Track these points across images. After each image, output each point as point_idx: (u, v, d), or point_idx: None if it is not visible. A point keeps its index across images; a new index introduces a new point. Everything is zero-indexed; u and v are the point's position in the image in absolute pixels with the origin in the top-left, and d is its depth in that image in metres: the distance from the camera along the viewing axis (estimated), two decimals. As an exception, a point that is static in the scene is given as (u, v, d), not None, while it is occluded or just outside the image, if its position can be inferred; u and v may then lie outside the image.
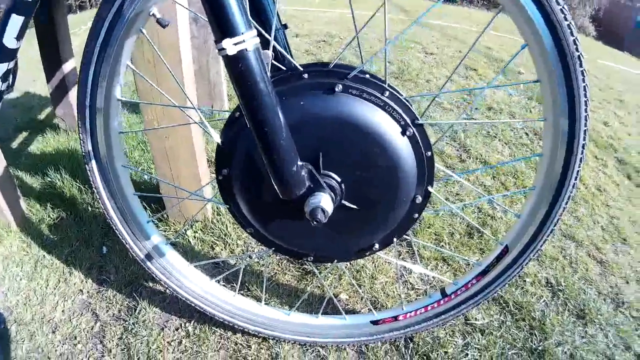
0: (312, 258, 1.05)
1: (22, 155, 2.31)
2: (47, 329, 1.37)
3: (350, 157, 0.88)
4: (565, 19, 0.77)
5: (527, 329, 1.38)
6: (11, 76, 1.08)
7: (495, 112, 2.85)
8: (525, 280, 1.56)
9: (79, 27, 4.20)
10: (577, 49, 0.80)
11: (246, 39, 0.69)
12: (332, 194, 0.86)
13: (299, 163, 0.81)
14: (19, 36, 0.95)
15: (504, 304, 1.45)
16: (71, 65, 2.20)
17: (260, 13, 1.00)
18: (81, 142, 1.00)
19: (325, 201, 0.83)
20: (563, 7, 0.77)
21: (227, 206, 1.00)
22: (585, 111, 0.85)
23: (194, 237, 1.68)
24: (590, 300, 1.50)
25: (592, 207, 2.09)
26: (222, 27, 0.69)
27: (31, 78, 3.22)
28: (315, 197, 0.84)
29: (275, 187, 0.82)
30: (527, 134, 2.62)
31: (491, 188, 2.09)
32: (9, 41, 0.94)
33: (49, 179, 1.93)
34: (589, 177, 2.33)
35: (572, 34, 0.78)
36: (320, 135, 0.86)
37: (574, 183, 0.92)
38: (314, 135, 0.86)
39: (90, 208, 1.81)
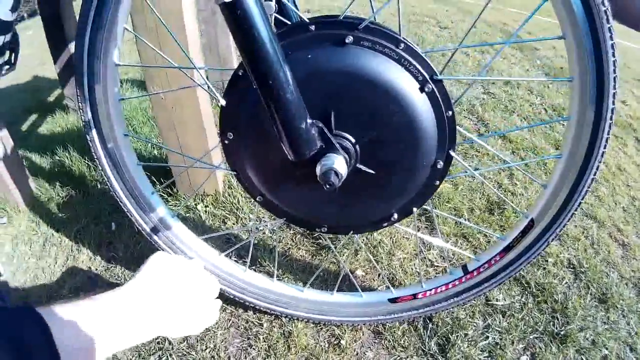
0: (325, 229, 0.99)
1: (32, 137, 2.31)
2: (53, 307, 1.34)
3: (365, 116, 0.81)
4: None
5: (549, 312, 1.33)
6: (9, 53, 1.05)
7: (513, 87, 2.76)
8: (547, 261, 1.50)
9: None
10: (603, 3, 0.72)
11: (244, -15, 0.62)
12: (346, 155, 0.79)
13: (309, 120, 0.74)
14: (14, 8, 0.91)
15: (525, 285, 1.39)
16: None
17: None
18: (80, 111, 0.96)
19: (338, 163, 0.76)
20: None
21: (234, 173, 0.93)
22: (614, 72, 0.77)
23: (205, 211, 1.63)
24: (613, 285, 1.45)
25: (613, 187, 2.01)
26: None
27: (40, 62, 3.21)
28: (327, 158, 0.77)
29: (284, 148, 0.76)
30: (545, 109, 2.53)
31: (501, 163, 2.00)
32: (4, 13, 0.90)
33: (57, 158, 1.90)
34: (609, 155, 2.25)
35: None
36: (331, 91, 0.79)
37: (603, 151, 0.85)
38: (324, 91, 0.79)
39: (99, 185, 1.78)
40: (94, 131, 0.98)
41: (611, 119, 0.82)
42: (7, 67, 1.09)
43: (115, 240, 1.55)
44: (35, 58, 3.39)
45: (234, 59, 2.23)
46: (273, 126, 0.73)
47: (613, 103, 0.80)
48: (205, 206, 1.65)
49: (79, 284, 1.41)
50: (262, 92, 0.70)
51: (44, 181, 1.82)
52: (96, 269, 1.45)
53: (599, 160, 0.86)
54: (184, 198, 1.66)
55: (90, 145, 1.00)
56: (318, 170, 0.77)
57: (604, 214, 1.78)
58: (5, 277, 1.44)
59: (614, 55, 0.76)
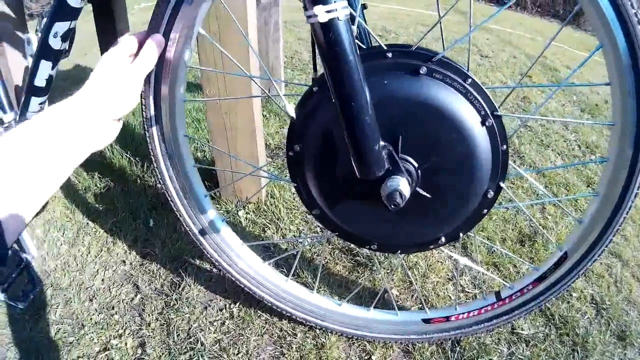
0: (375, 246, 1.01)
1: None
2: (84, 296, 1.37)
3: (429, 143, 0.85)
4: (639, 23, 0.74)
5: (570, 345, 1.34)
6: (69, 39, 1.07)
7: (549, 121, 2.79)
8: (571, 295, 1.52)
9: (132, 7, 4.23)
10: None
11: (338, 8, 0.66)
12: (409, 178, 0.82)
13: (381, 143, 0.77)
14: (84, -4, 0.93)
15: (550, 317, 1.41)
16: (127, 38, 2.22)
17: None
18: (143, 106, 0.95)
19: (403, 185, 0.79)
20: (637, 12, 0.73)
21: (294, 184, 0.96)
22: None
23: (246, 218, 1.66)
24: (632, 323, 1.46)
25: (640, 228, 2.02)
26: (315, -7, 0.66)
27: (82, 52, 3.25)
28: (393, 180, 0.80)
29: (355, 166, 0.79)
30: (579, 146, 2.56)
31: (544, 197, 2.03)
32: (74, 0, 0.92)
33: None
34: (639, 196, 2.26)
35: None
36: (401, 117, 0.83)
37: (637, 192, 0.90)
38: (395, 116, 0.83)
39: (139, 180, 1.80)
40: (154, 128, 0.98)
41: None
42: (65, 54, 1.11)
43: (152, 237, 1.57)
44: (76, 46, 3.44)
45: (282, 69, 2.29)
46: (348, 145, 0.77)
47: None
48: (247, 213, 1.67)
49: (112, 276, 1.44)
50: (341, 111, 0.73)
51: (82, 170, 1.84)
52: (131, 263, 1.48)
53: (632, 200, 0.91)
54: (225, 203, 1.69)
55: (149, 141, 1.00)
56: (384, 190, 0.80)
57: (628, 254, 1.79)
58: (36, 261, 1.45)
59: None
